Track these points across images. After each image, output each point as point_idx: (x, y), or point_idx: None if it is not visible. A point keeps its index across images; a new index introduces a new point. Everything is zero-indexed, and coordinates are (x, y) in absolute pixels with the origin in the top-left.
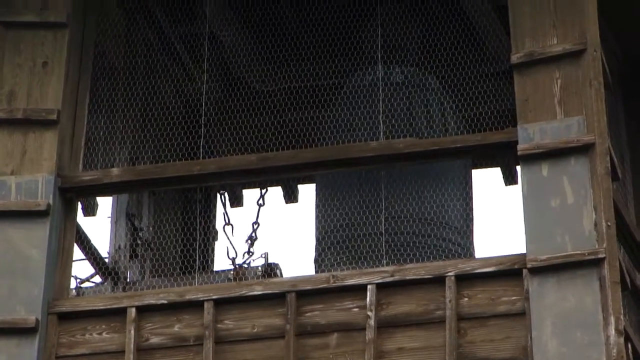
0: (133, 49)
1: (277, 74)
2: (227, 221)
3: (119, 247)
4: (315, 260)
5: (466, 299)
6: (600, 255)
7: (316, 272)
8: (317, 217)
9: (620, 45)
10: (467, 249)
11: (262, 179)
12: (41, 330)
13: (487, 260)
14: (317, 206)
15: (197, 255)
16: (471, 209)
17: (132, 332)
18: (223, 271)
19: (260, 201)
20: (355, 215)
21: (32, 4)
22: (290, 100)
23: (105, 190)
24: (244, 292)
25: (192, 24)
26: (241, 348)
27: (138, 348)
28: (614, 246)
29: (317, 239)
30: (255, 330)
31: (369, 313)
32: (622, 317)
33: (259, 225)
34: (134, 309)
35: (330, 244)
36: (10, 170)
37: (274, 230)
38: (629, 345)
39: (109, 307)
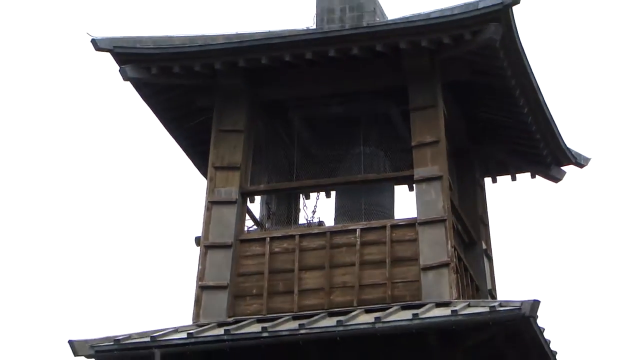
0: (268, 139)
1: (323, 148)
2: (304, 205)
3: (263, 214)
4: (334, 219)
5: (394, 234)
6: (445, 217)
7: (335, 224)
8: (335, 203)
9: (452, 138)
10: (392, 217)
11: (317, 190)
12: (233, 246)
13: (402, 220)
14: (335, 199)
15: (292, 218)
16: (393, 202)
17: (267, 246)
18: (302, 224)
19: (317, 197)
20: (351, 202)
21: (233, 121)
22: (328, 159)
23: (258, 193)
24: (310, 231)
25: (290, 128)
26: (308, 253)
27: (270, 252)
28: (450, 214)
29: (335, 211)
30: (314, 246)
31: (357, 239)
32: (452, 240)
33: (317, 206)
34: (269, 238)
35: (342, 213)
36: (222, 185)
37: (322, 209)
38: (456, 252)
39: (259, 237)
